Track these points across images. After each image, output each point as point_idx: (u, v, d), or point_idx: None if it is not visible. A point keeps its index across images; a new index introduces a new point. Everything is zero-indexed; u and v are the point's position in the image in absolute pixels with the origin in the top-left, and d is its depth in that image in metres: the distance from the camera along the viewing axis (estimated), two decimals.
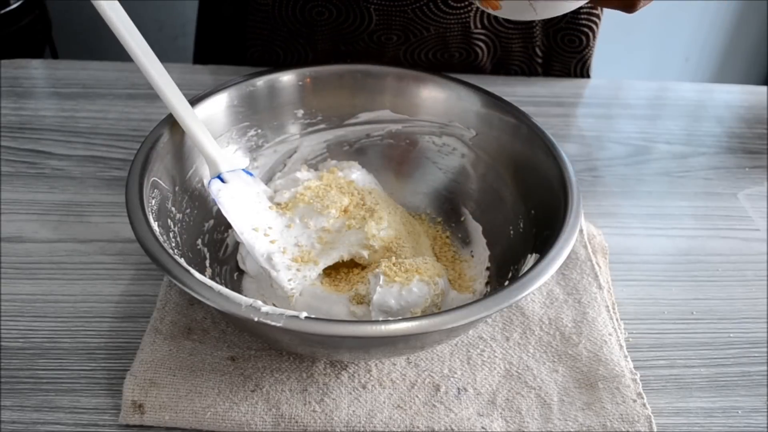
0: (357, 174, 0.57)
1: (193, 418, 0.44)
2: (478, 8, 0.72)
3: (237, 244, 0.54)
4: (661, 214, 0.64)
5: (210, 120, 0.53)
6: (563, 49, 0.79)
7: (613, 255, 0.58)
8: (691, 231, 0.63)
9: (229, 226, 0.53)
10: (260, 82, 0.57)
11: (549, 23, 0.76)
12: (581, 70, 0.82)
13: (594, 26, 0.77)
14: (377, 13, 0.72)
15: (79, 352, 0.48)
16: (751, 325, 0.54)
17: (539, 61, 0.80)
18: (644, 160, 0.71)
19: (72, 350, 0.48)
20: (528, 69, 0.81)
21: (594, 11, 0.76)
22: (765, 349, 0.52)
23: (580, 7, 0.74)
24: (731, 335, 0.53)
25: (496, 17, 0.73)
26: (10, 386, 0.46)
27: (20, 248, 0.55)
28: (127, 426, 0.44)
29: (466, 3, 0.71)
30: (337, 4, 0.72)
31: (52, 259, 0.55)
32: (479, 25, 0.74)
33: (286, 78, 0.58)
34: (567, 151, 0.52)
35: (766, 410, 0.48)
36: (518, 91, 0.78)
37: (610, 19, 0.77)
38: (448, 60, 0.78)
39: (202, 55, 0.85)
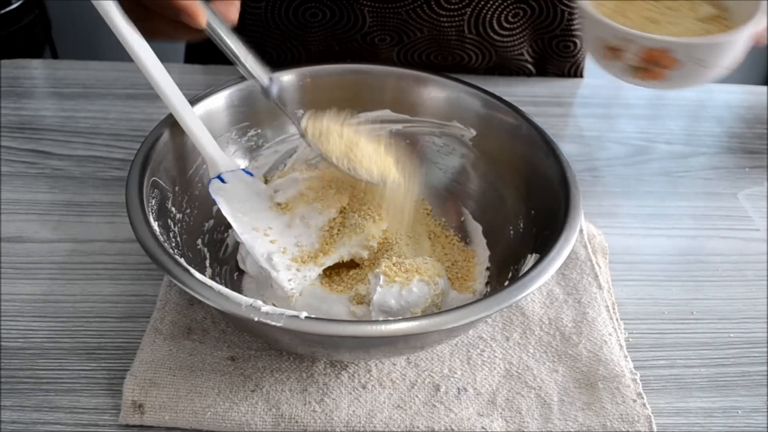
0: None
1: (193, 418, 0.44)
2: (471, 12, 0.72)
3: (237, 244, 0.54)
4: (661, 214, 0.64)
5: (210, 120, 0.53)
6: (558, 54, 0.79)
7: (613, 255, 0.58)
8: (691, 231, 0.63)
9: (229, 226, 0.53)
10: None
11: (543, 30, 0.76)
12: (574, 73, 0.82)
13: None
14: (371, 15, 0.72)
15: (79, 352, 0.48)
16: (751, 325, 0.54)
17: (531, 64, 0.80)
18: (644, 160, 0.71)
19: (72, 350, 0.48)
20: (522, 73, 0.81)
21: None
22: (765, 349, 0.52)
23: (573, 13, 0.74)
24: (731, 335, 0.53)
25: (490, 23, 0.73)
26: (10, 386, 0.46)
27: (20, 248, 0.55)
28: (127, 426, 0.44)
29: (461, 5, 0.71)
30: (331, 6, 0.71)
31: (52, 259, 0.55)
32: (473, 31, 0.74)
33: (287, 78, 0.57)
34: (567, 151, 0.52)
35: (766, 410, 0.48)
36: (518, 91, 0.78)
37: None
38: (440, 62, 0.77)
39: (192, 57, 0.83)
